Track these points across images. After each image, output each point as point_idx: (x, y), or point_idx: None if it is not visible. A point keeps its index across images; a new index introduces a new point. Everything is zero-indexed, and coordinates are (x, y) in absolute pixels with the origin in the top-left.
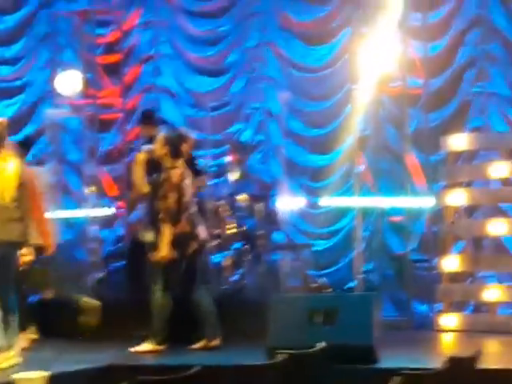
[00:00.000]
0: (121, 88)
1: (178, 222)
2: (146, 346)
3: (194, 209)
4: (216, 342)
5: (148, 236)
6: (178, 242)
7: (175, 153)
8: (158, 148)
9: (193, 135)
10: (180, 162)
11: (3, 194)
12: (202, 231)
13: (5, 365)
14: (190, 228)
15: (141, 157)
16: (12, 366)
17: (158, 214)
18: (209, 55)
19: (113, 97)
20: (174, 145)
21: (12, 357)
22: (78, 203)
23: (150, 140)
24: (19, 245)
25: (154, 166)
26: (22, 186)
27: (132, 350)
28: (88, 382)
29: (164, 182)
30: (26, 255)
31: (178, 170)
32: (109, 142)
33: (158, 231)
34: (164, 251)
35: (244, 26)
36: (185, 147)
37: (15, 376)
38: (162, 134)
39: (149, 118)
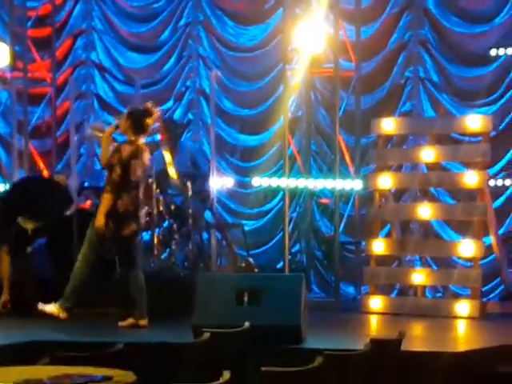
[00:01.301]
0: (51, 62)
1: (120, 198)
2: (51, 308)
3: (139, 190)
4: (143, 322)
5: None
6: (117, 219)
7: (137, 128)
8: (123, 122)
9: (158, 110)
10: (141, 139)
11: None
12: (143, 215)
13: None
14: (133, 208)
15: (109, 130)
16: None
17: None
18: (142, 31)
19: (43, 71)
20: (137, 119)
21: None
22: (7, 177)
23: None
24: None
25: None
26: None
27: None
28: (10, 357)
29: (114, 153)
30: None
31: (129, 147)
32: (38, 116)
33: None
34: (99, 220)
35: (177, 4)
36: (149, 122)
37: None
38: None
39: None
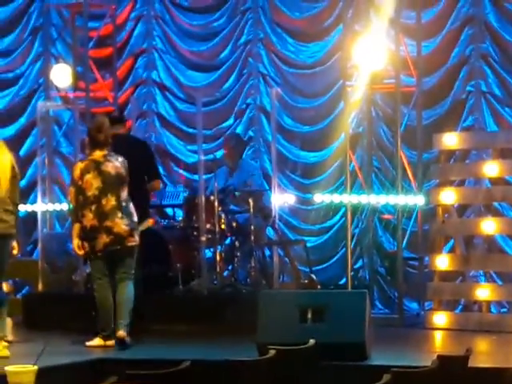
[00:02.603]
0: (113, 82)
1: (83, 216)
2: (97, 342)
3: (102, 202)
4: (122, 333)
5: None
6: (88, 237)
7: (90, 142)
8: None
9: (101, 119)
10: (96, 153)
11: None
12: (122, 225)
13: None
14: (98, 221)
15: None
16: (3, 358)
17: None
18: (201, 50)
19: (105, 90)
20: (89, 134)
21: (3, 348)
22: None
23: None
24: (12, 237)
25: None
26: (14, 178)
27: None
28: (77, 375)
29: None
30: (14, 248)
31: (80, 164)
32: None
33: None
34: (73, 245)
35: (237, 22)
36: (98, 134)
37: (7, 368)
38: None
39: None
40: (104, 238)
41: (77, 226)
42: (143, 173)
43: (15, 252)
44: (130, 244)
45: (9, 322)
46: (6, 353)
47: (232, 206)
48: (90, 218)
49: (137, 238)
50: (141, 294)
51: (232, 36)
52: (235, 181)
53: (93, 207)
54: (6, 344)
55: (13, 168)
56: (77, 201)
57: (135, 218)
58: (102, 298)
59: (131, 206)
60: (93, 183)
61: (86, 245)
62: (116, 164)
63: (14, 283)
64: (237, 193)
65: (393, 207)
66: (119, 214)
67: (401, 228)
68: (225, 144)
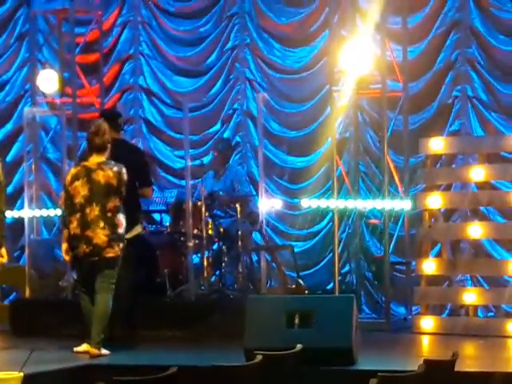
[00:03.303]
0: (99, 87)
1: (70, 222)
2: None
3: (86, 211)
4: (95, 352)
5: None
6: (72, 244)
7: (88, 147)
8: None
9: (99, 124)
10: (92, 159)
11: None
12: (102, 235)
13: None
14: (80, 230)
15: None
16: None
17: None
18: (188, 55)
19: (91, 96)
20: (87, 139)
21: None
22: (57, 202)
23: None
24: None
25: None
26: (1, 185)
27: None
28: (64, 382)
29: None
30: (2, 255)
31: (73, 170)
32: None
33: None
34: (62, 251)
35: (224, 27)
36: (95, 139)
37: None
38: None
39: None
40: (84, 248)
41: (66, 231)
42: (135, 179)
43: (4, 260)
44: (108, 255)
45: None
46: None
47: (219, 212)
48: (74, 226)
49: (117, 249)
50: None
51: (218, 41)
52: (222, 186)
53: (78, 215)
54: None
55: (1, 175)
56: (66, 206)
57: (120, 230)
58: (84, 307)
59: (119, 216)
60: (80, 191)
61: (70, 252)
62: (108, 173)
63: (0, 289)
64: (224, 198)
65: (379, 212)
66: (101, 224)
67: (388, 233)
68: (214, 148)
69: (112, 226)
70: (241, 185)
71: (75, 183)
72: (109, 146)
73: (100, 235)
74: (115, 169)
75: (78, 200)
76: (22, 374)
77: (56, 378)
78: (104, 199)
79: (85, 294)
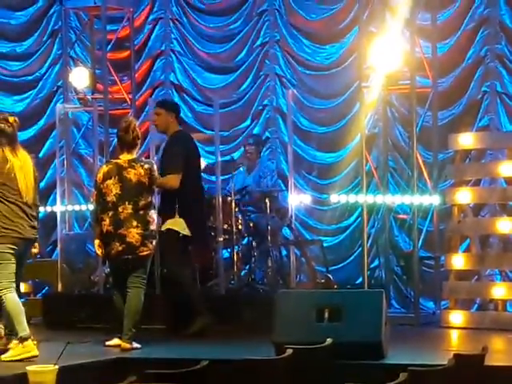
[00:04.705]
0: (131, 84)
1: (103, 220)
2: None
3: (119, 210)
4: (126, 346)
5: None
6: (104, 242)
7: (119, 145)
8: None
9: (129, 120)
10: (123, 157)
11: (29, 192)
12: (135, 234)
13: (25, 355)
14: (113, 228)
15: None
16: (30, 358)
17: None
18: (219, 52)
19: (123, 93)
20: (117, 137)
21: (33, 348)
22: (89, 197)
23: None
24: (35, 242)
25: None
26: (35, 181)
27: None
28: (96, 375)
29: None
30: (35, 247)
31: (105, 167)
32: None
33: None
34: (95, 246)
35: (254, 24)
36: (125, 136)
37: (28, 368)
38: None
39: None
40: (117, 246)
41: (98, 228)
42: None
43: (36, 250)
44: (141, 254)
45: None
46: (36, 352)
47: (249, 207)
48: (106, 224)
49: (150, 246)
50: (158, 294)
51: (248, 38)
52: (252, 181)
53: (110, 213)
54: (35, 342)
55: (34, 172)
56: (98, 203)
57: (152, 226)
58: (116, 302)
59: (150, 213)
60: (112, 189)
61: (103, 249)
62: (140, 171)
63: (33, 284)
64: (254, 193)
65: (408, 207)
66: (134, 223)
67: (416, 228)
68: (245, 144)
69: (145, 223)
70: (270, 180)
71: (107, 181)
72: (139, 142)
73: (133, 234)
74: (146, 166)
75: (110, 198)
76: (56, 366)
77: (89, 371)
78: (136, 197)
79: (116, 289)
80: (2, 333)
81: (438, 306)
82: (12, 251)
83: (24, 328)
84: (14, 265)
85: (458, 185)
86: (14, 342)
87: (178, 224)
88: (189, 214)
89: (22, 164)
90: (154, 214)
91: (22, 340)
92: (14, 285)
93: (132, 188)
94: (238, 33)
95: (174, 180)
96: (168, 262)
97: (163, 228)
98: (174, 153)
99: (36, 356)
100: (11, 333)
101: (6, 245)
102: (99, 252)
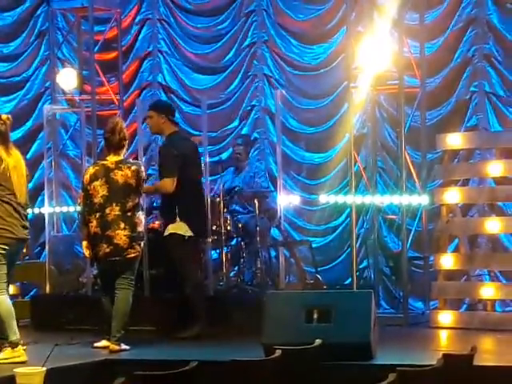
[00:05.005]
0: (118, 85)
1: (90, 222)
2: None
3: (106, 211)
4: (114, 347)
5: None
6: (92, 243)
7: (106, 146)
8: None
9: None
10: (110, 158)
11: (22, 191)
12: (123, 236)
13: (13, 360)
14: (100, 230)
15: None
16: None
17: None
18: (206, 53)
19: (110, 93)
20: (103, 136)
21: (22, 354)
22: (77, 198)
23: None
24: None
25: None
26: (27, 182)
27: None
28: (84, 376)
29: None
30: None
31: (91, 169)
32: None
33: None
34: (83, 247)
35: (242, 25)
36: (111, 137)
37: (16, 370)
38: None
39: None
40: (104, 248)
41: (86, 229)
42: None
43: (25, 251)
44: (129, 256)
45: None
46: (25, 358)
47: (238, 207)
48: (93, 225)
49: (138, 248)
50: (147, 296)
51: (236, 38)
52: (241, 182)
53: (97, 215)
54: (24, 348)
55: (26, 171)
56: (85, 204)
57: (140, 228)
58: (104, 304)
59: (138, 215)
60: (99, 191)
61: (91, 251)
62: (126, 172)
63: (21, 286)
64: (242, 194)
65: (397, 207)
66: (121, 225)
67: (405, 228)
68: (234, 144)
69: (132, 225)
70: (260, 180)
71: (94, 183)
72: (126, 143)
73: (121, 236)
74: (133, 167)
75: (97, 200)
76: (44, 368)
77: (77, 373)
78: (123, 199)
79: (105, 291)
80: None
81: (427, 306)
82: (4, 251)
83: (15, 332)
84: (6, 265)
85: (446, 185)
86: (5, 345)
87: (179, 227)
88: (189, 216)
89: (15, 163)
90: (141, 216)
91: (13, 345)
92: (5, 286)
93: (119, 189)
94: (225, 33)
95: (168, 184)
96: (178, 264)
97: (166, 233)
98: (168, 156)
99: (24, 362)
100: (2, 336)
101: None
102: (87, 253)
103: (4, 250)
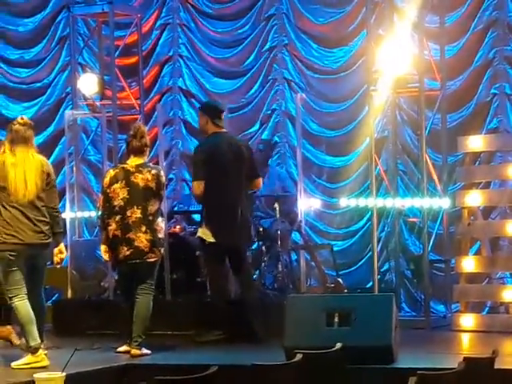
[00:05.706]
0: (139, 90)
1: (109, 225)
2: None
3: (127, 213)
4: (136, 352)
5: None
6: (111, 247)
7: (127, 149)
8: None
9: (137, 127)
10: (130, 161)
11: (22, 191)
12: (144, 239)
13: (35, 365)
14: (120, 233)
15: None
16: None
17: None
18: (227, 57)
19: (131, 98)
20: (126, 143)
21: (43, 359)
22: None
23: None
24: (48, 246)
25: None
26: (49, 185)
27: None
28: (105, 381)
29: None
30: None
31: (112, 171)
32: None
33: None
34: (101, 251)
35: (262, 29)
36: (133, 142)
37: (36, 376)
38: None
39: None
40: (125, 251)
41: (104, 233)
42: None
43: (63, 255)
44: (149, 260)
45: (9, 328)
46: (46, 362)
47: (259, 212)
48: (113, 228)
49: (158, 253)
50: (169, 299)
51: (256, 43)
52: (263, 186)
53: (117, 217)
54: (46, 352)
55: (42, 173)
56: (104, 208)
57: (160, 235)
58: (125, 309)
59: (158, 221)
60: (119, 193)
61: (110, 253)
62: (147, 176)
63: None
64: (264, 198)
65: (418, 210)
66: (143, 228)
67: (426, 231)
68: (256, 149)
69: (153, 230)
70: (280, 184)
71: (114, 185)
72: (147, 150)
73: (142, 239)
74: (153, 171)
75: (117, 202)
76: (64, 374)
77: (98, 378)
78: (144, 202)
79: (125, 295)
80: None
81: (449, 310)
82: (13, 258)
83: (34, 338)
84: (19, 271)
85: (467, 187)
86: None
87: (203, 232)
88: (211, 221)
89: (16, 161)
90: (161, 223)
91: (33, 350)
92: (25, 291)
93: (140, 192)
94: (246, 37)
95: (193, 187)
96: (205, 269)
97: (196, 236)
98: (194, 158)
99: (45, 367)
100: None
101: (7, 252)
102: (106, 257)
103: (13, 256)
